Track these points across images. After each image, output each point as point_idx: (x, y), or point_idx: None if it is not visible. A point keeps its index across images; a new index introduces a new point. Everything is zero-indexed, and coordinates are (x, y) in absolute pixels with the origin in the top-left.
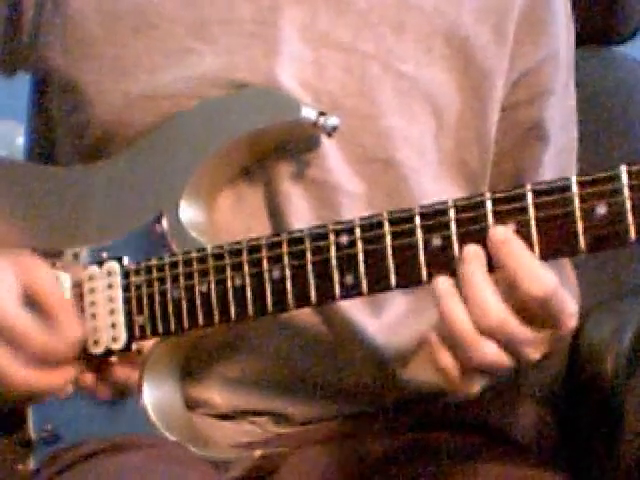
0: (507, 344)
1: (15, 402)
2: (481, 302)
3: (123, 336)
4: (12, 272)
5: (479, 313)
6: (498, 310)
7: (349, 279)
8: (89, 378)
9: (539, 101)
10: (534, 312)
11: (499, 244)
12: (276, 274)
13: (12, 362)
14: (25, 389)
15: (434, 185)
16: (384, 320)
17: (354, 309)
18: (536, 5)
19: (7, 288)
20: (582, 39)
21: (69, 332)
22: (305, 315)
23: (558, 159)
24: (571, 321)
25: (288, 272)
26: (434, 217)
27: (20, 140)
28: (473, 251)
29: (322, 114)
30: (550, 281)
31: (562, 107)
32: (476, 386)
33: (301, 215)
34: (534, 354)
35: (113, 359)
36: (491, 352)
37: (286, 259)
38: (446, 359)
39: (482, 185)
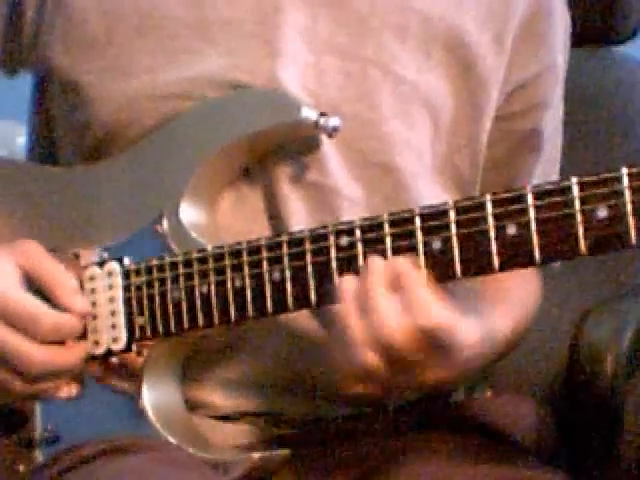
0: (395, 360)
1: (37, 381)
2: (377, 315)
3: (123, 337)
4: (10, 259)
5: (374, 325)
6: (390, 327)
7: None
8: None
9: (536, 113)
10: (423, 338)
11: (397, 274)
12: (276, 275)
13: (28, 345)
14: (45, 368)
15: (429, 190)
16: None
17: None
18: (536, 17)
19: (7, 275)
20: (582, 39)
21: (77, 305)
22: (304, 316)
23: (543, 169)
24: (460, 355)
25: (288, 273)
26: (434, 219)
27: (20, 140)
28: (376, 265)
29: (323, 115)
30: (439, 314)
31: (555, 118)
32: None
33: (299, 218)
34: (427, 376)
35: (114, 360)
36: (371, 359)
37: (286, 260)
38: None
39: (472, 191)
